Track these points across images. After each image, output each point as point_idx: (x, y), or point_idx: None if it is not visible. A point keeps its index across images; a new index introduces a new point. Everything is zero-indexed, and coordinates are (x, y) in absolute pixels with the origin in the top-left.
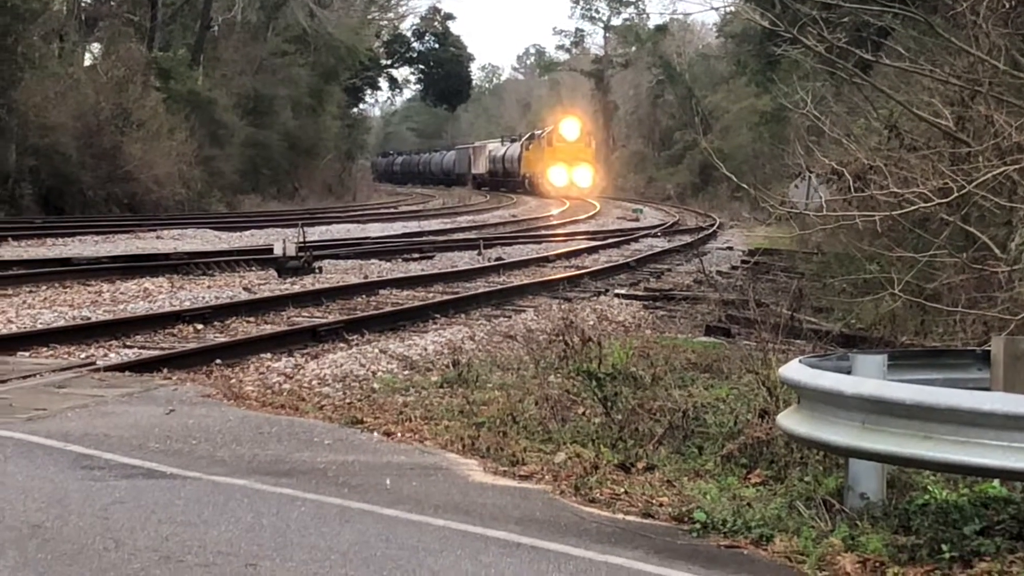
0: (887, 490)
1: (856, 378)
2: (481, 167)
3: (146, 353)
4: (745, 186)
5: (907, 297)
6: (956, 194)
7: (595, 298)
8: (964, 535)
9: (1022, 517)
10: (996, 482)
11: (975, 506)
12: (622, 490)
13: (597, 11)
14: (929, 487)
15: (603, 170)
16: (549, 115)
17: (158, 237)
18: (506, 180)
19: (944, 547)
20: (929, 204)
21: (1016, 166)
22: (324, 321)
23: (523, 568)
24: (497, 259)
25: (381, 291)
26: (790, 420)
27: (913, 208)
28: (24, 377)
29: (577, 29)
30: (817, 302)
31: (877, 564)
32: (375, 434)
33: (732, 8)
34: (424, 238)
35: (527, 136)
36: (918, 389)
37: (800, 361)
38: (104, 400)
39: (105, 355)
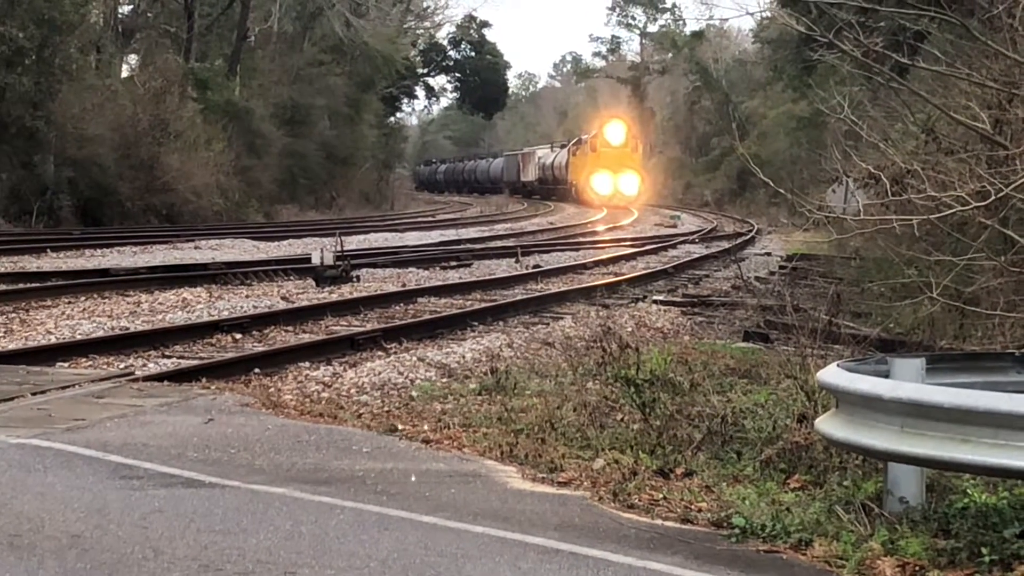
0: (926, 494)
1: (894, 382)
2: (530, 174)
3: (184, 363)
4: (783, 191)
5: (945, 301)
6: (994, 197)
7: (633, 304)
8: (1004, 538)
9: None
10: None
11: (1015, 509)
12: (661, 496)
13: (633, 18)
14: (968, 490)
15: (649, 177)
16: (587, 122)
17: (196, 247)
18: (556, 188)
19: (984, 550)
20: (967, 208)
21: None
22: (362, 330)
23: (562, 574)
24: (535, 266)
25: (419, 299)
26: (828, 424)
27: (951, 212)
28: (63, 387)
29: (613, 36)
30: (855, 307)
31: (917, 568)
32: (413, 442)
33: (768, 13)
34: (462, 246)
35: (574, 141)
36: (956, 392)
37: (838, 365)
38: (143, 410)
39: (144, 365)
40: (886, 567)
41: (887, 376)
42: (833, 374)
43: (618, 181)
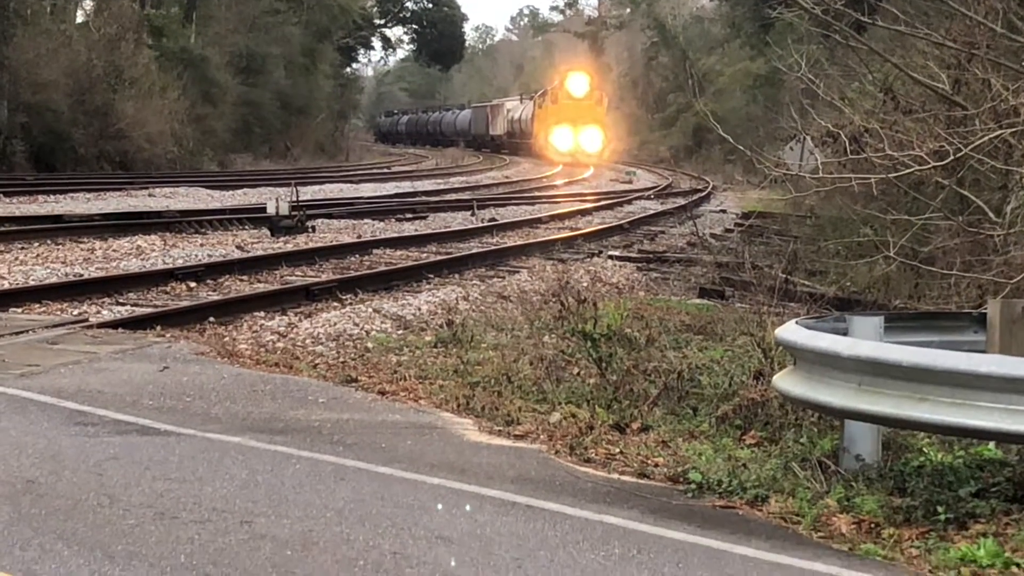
0: (882, 452)
1: (853, 340)
2: (499, 128)
3: (139, 310)
4: (741, 148)
5: (902, 260)
6: (952, 157)
7: (588, 260)
8: (959, 497)
9: (1018, 479)
10: (992, 444)
11: (970, 468)
12: (617, 450)
13: None
14: (924, 449)
15: (613, 133)
16: (544, 77)
17: (150, 195)
18: (523, 143)
19: (939, 509)
20: (924, 167)
21: (1012, 129)
22: (318, 280)
23: (519, 527)
24: (491, 220)
25: (375, 251)
26: (786, 381)
27: (908, 171)
28: (17, 333)
29: None
30: (811, 265)
31: (872, 525)
32: (369, 393)
33: None
34: (417, 198)
35: (540, 93)
36: (915, 351)
37: (796, 323)
38: (97, 357)
39: (98, 312)
40: (842, 524)
41: (845, 334)
42: (791, 331)
43: (580, 136)
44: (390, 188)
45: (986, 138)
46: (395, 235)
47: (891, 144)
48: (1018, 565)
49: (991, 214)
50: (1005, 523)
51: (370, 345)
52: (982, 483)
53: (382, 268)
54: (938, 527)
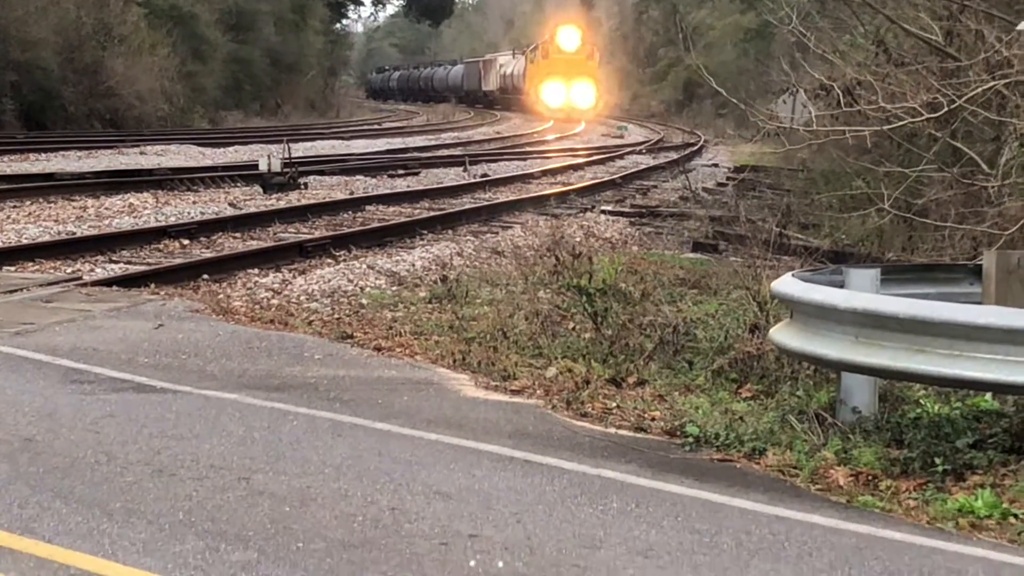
0: (879, 404)
1: (850, 292)
2: (492, 83)
3: (132, 268)
4: (735, 101)
5: (895, 213)
6: (945, 109)
7: (581, 215)
8: (957, 448)
9: (1015, 430)
10: (988, 396)
11: (967, 420)
12: (614, 405)
13: None
14: (921, 401)
15: (605, 88)
16: (534, 31)
17: (141, 153)
18: (516, 98)
19: (937, 460)
20: (918, 119)
21: (1005, 81)
22: (311, 237)
23: (517, 481)
24: (483, 176)
25: (367, 207)
26: (782, 334)
27: (901, 123)
28: (10, 292)
29: None
30: (804, 219)
31: (870, 477)
32: (365, 349)
33: None
34: (409, 154)
35: (532, 47)
36: (912, 303)
37: (793, 275)
38: (92, 315)
39: (91, 270)
40: (839, 476)
41: (841, 286)
42: (788, 284)
43: (571, 91)
44: (381, 145)
45: (979, 89)
46: (387, 191)
47: (884, 96)
48: (1016, 516)
49: (984, 166)
50: (1002, 474)
51: (365, 301)
52: (979, 434)
53: (375, 224)
54: (936, 479)
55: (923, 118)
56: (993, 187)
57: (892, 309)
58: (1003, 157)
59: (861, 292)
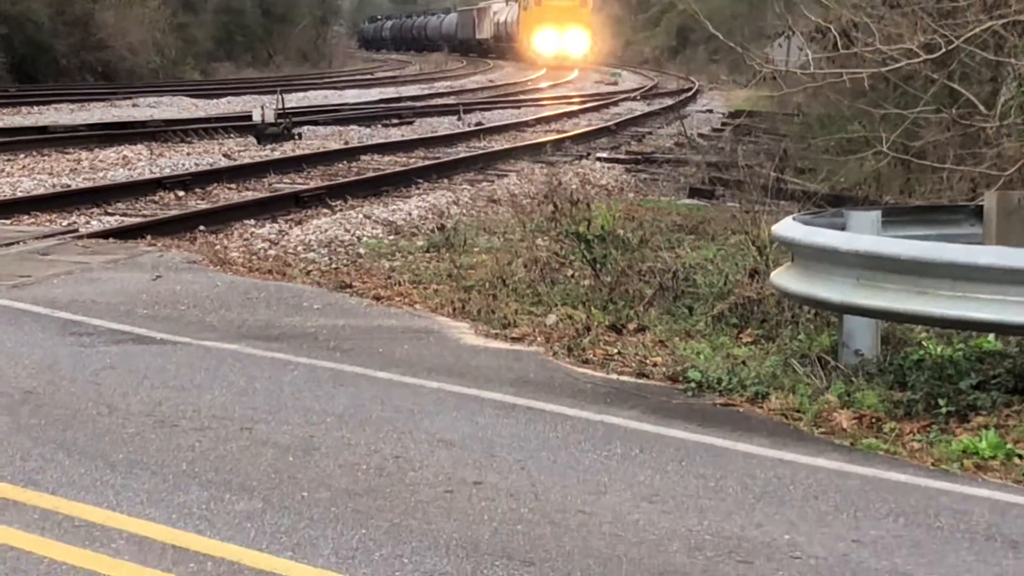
0: (881, 347)
1: (851, 234)
2: (486, 31)
3: (128, 220)
4: (732, 44)
5: (893, 155)
6: (942, 50)
7: (577, 162)
8: (960, 390)
9: (1018, 371)
10: (991, 337)
11: (970, 361)
12: (615, 351)
13: None
14: (924, 343)
15: (598, 35)
16: None
17: (134, 105)
18: (510, 46)
19: (940, 402)
20: (915, 61)
21: (1003, 20)
22: (306, 187)
23: (519, 429)
24: (477, 124)
25: (362, 157)
26: (784, 278)
27: (898, 65)
28: (7, 245)
29: None
30: (801, 164)
31: (873, 420)
32: (364, 299)
33: None
34: (403, 104)
35: None
36: (914, 244)
37: (793, 219)
38: (89, 267)
39: (87, 222)
40: (842, 419)
41: (842, 229)
42: (789, 227)
43: (564, 38)
44: (375, 94)
45: (977, 30)
46: (382, 141)
47: (881, 38)
48: (1020, 456)
49: (982, 107)
50: (1006, 415)
51: (362, 251)
52: (982, 375)
53: (370, 174)
54: (939, 420)
55: (920, 59)
56: (991, 128)
57: (894, 251)
58: (1001, 98)
59: (862, 234)
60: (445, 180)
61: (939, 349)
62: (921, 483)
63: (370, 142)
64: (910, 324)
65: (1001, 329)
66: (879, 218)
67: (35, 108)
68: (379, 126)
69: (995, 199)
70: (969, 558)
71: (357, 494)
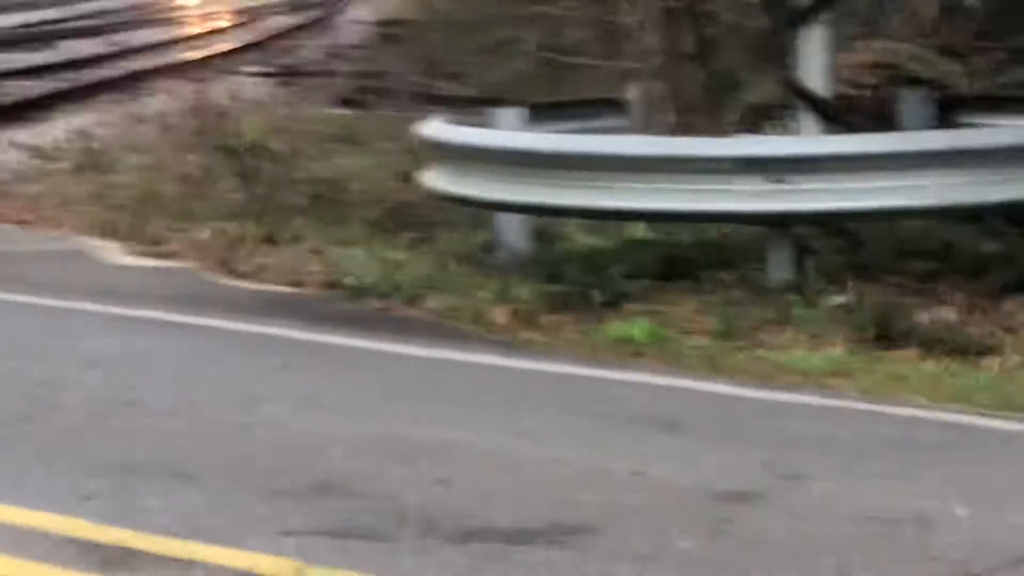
0: (535, 242)
1: (496, 131)
2: None
3: None
4: None
5: (539, 54)
6: None
7: (227, 78)
8: (612, 278)
9: (664, 257)
10: (642, 226)
11: (620, 251)
12: (269, 262)
13: None
14: (575, 236)
15: None
16: None
17: None
18: None
19: (594, 293)
20: None
21: None
22: None
23: (175, 345)
24: (123, 44)
25: (5, 82)
26: (434, 179)
27: None
28: None
29: None
30: (449, 69)
31: (530, 314)
32: (7, 224)
33: None
34: (44, 28)
35: None
36: (556, 138)
37: (441, 121)
38: None
39: None
40: (499, 315)
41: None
42: (435, 128)
43: None
44: (16, 19)
45: None
46: (24, 66)
47: None
48: (671, 340)
49: (625, 3)
50: (657, 301)
51: (6, 176)
52: (633, 265)
53: (13, 99)
54: (593, 310)
55: None
56: (633, 21)
57: (537, 146)
58: None
59: (508, 131)
60: (91, 102)
61: (591, 241)
62: (578, 372)
63: (12, 67)
64: (561, 218)
65: (648, 217)
66: (525, 115)
67: None
68: (20, 50)
69: (638, 90)
70: (627, 440)
71: (6, 422)
